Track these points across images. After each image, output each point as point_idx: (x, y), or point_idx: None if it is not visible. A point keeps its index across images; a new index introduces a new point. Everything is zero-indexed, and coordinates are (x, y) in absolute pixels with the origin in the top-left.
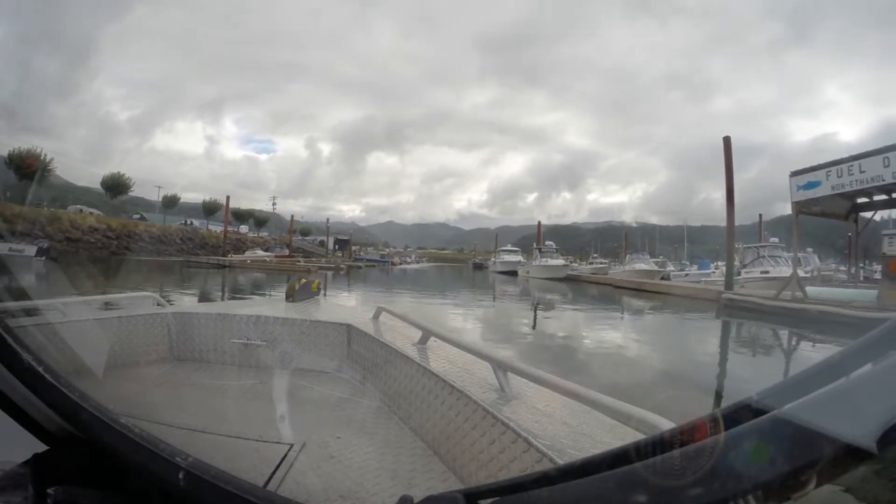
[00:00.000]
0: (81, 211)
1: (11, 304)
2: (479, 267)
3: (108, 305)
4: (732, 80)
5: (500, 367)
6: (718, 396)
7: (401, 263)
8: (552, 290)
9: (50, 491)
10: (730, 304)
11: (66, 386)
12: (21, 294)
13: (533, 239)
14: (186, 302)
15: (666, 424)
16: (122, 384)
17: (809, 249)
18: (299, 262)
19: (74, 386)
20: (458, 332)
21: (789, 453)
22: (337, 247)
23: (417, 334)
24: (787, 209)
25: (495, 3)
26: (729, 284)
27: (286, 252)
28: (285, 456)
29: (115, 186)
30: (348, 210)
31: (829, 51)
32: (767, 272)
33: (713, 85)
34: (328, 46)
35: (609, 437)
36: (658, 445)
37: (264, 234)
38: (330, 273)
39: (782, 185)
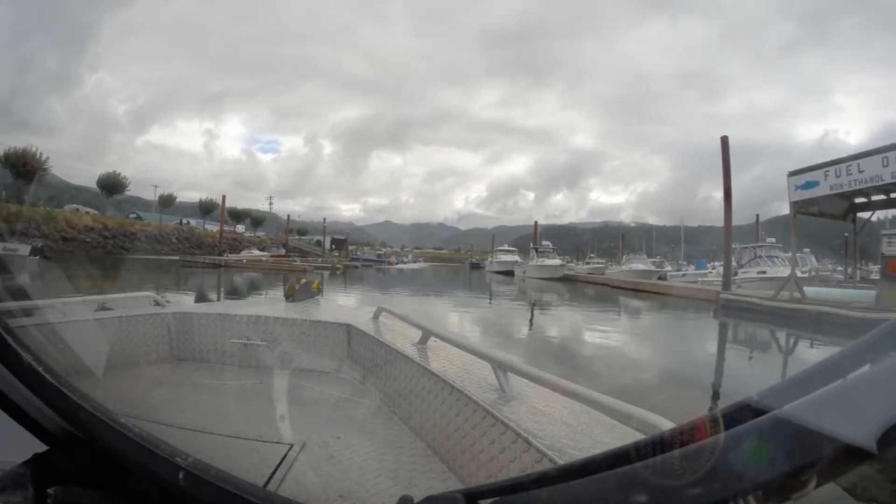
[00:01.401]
0: (78, 210)
1: (11, 304)
2: (475, 267)
3: (107, 305)
4: (739, 81)
5: (500, 367)
6: (717, 396)
7: (397, 263)
8: (549, 291)
9: (50, 491)
10: (727, 305)
11: (66, 386)
12: (21, 294)
13: (530, 239)
14: (184, 302)
15: (666, 424)
16: (122, 384)
17: (806, 250)
18: (295, 261)
19: (74, 386)
20: (457, 333)
21: (789, 453)
22: (334, 246)
23: (417, 334)
24: (785, 209)
25: (503, 1)
26: (726, 284)
27: (282, 252)
28: (285, 456)
29: (112, 186)
30: (347, 209)
31: (836, 53)
32: (765, 272)
33: (719, 85)
34: (332, 44)
35: (609, 437)
36: (658, 445)
37: (261, 233)
38: (326, 273)
39: (782, 184)
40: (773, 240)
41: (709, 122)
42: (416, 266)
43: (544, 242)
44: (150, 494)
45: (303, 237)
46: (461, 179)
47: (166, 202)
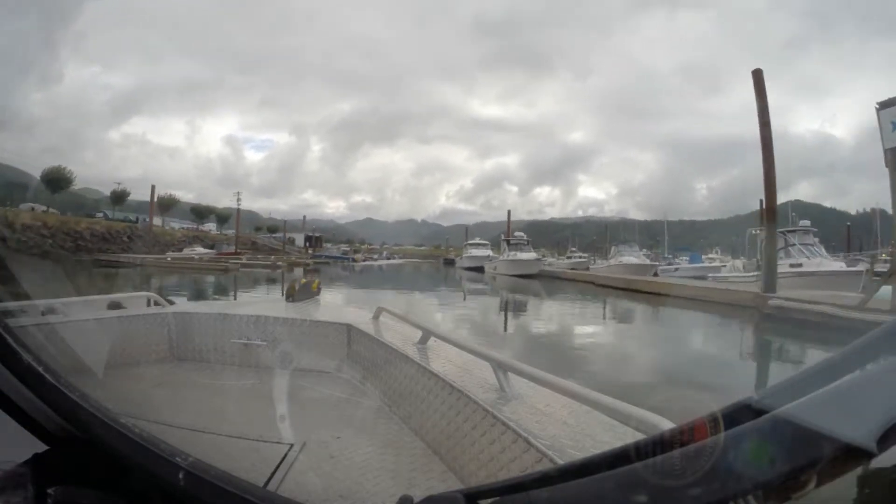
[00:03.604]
0: (33, 209)
1: (11, 304)
2: (449, 263)
3: (108, 305)
4: (735, 77)
5: (500, 367)
6: (719, 397)
7: (365, 260)
8: (522, 290)
9: (50, 491)
10: (778, 315)
11: (66, 386)
12: (21, 294)
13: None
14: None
15: (666, 424)
16: (122, 384)
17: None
18: (241, 260)
19: (74, 386)
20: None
21: (789, 453)
22: (308, 244)
23: (417, 334)
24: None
25: None
26: (770, 285)
27: (232, 249)
28: (285, 456)
29: (56, 181)
30: (333, 207)
31: (835, 54)
32: (800, 265)
33: (714, 80)
34: (323, 37)
35: (609, 437)
36: (658, 445)
37: (229, 231)
38: (280, 271)
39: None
40: (807, 222)
41: (701, 117)
42: (386, 263)
43: (517, 234)
44: (150, 494)
45: (274, 234)
46: (448, 175)
47: (118, 199)
